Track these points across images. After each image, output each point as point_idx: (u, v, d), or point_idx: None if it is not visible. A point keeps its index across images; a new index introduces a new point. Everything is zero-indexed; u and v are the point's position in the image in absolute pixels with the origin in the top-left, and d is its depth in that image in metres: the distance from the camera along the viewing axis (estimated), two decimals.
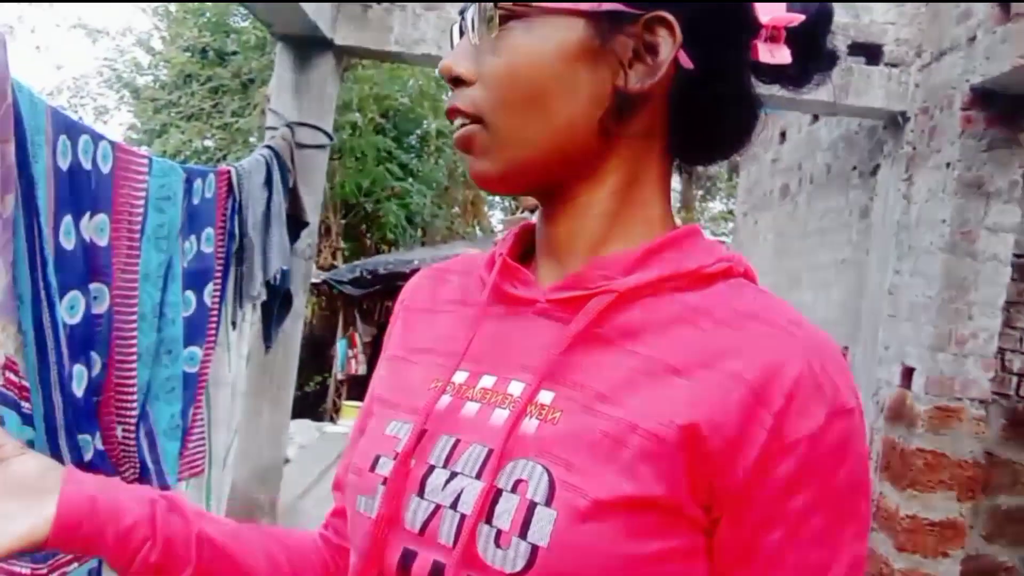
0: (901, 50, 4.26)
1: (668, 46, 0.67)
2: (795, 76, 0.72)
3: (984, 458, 3.87)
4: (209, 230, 2.82)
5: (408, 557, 0.66)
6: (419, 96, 13.28)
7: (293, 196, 3.63)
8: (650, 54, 0.67)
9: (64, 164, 1.99)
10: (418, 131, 14.13)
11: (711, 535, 0.63)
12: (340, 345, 11.91)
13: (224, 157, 11.82)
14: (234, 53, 12.44)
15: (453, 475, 0.66)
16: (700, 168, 0.78)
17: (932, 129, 4.04)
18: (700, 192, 20.31)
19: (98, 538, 0.71)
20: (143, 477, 2.50)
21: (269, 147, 3.51)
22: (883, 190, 4.56)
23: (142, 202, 2.36)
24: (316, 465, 6.95)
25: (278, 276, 3.47)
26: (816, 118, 5.95)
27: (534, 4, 0.67)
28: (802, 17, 0.69)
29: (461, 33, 0.72)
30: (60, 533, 0.70)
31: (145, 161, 2.38)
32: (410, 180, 13.42)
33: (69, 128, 2.02)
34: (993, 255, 3.72)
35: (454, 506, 0.65)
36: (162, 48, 13.94)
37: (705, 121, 0.71)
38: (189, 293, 2.71)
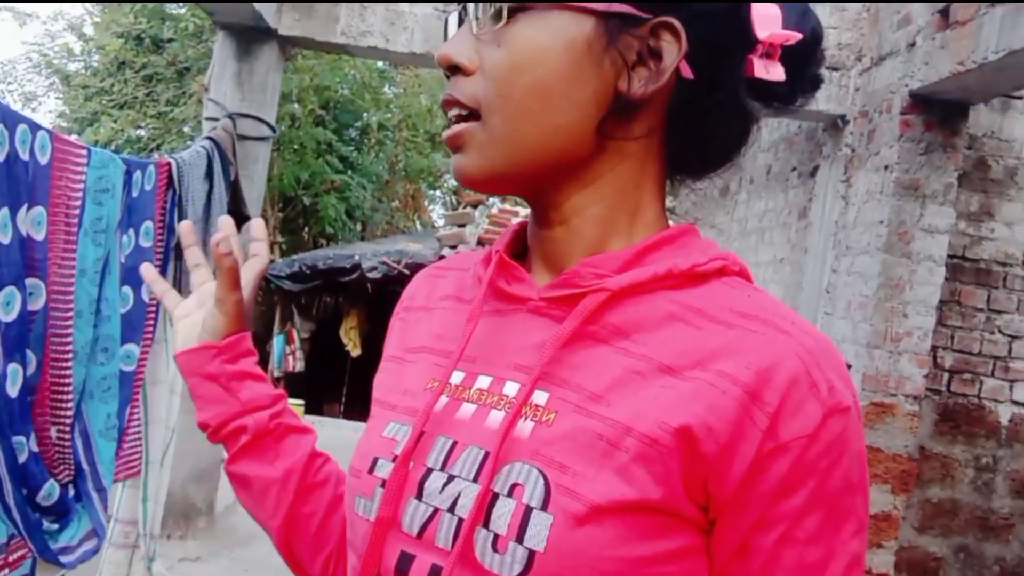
0: (842, 54, 4.35)
1: (673, 53, 0.67)
2: (783, 95, 0.72)
3: (917, 452, 3.99)
4: (148, 223, 2.74)
5: (406, 560, 0.66)
6: (360, 88, 13.11)
7: (234, 189, 3.55)
8: (654, 59, 0.67)
9: (0, 155, 1.91)
10: (358, 123, 13.95)
11: (710, 534, 0.63)
12: (277, 341, 11.71)
13: (158, 147, 11.55)
14: (170, 40, 12.14)
15: (451, 478, 0.66)
16: None
17: (871, 132, 4.13)
18: None
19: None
20: (78, 479, 2.42)
21: (210, 139, 3.42)
22: (822, 191, 4.65)
23: (80, 194, 2.28)
24: None
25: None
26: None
27: None
28: (799, 36, 0.69)
29: (460, 22, 0.71)
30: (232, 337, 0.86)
31: (84, 152, 2.29)
32: (350, 173, 13.26)
33: (6, 117, 1.94)
34: (928, 255, 3.83)
35: (452, 509, 0.65)
36: (95, 34, 13.54)
37: (701, 131, 0.71)
38: (126, 289, 2.63)
